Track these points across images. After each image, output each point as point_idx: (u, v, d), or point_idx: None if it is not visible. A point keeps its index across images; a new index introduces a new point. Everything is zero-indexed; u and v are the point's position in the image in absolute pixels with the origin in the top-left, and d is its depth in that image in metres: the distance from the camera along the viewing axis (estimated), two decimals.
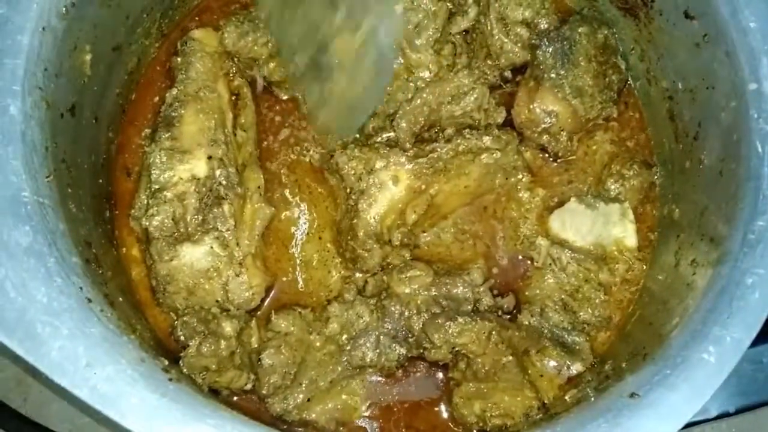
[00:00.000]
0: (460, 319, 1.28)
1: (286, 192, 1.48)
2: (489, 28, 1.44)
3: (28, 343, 1.00)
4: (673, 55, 1.38)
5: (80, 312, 1.04)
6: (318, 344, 1.34)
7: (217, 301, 1.33)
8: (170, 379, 1.05)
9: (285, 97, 1.51)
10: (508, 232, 1.46)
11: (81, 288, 1.07)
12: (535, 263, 1.43)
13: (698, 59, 1.29)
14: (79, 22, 1.23)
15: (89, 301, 1.06)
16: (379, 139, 1.44)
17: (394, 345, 1.32)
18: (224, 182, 1.35)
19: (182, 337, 1.25)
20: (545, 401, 1.31)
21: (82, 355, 1.00)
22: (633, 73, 1.51)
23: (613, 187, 1.44)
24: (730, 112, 1.21)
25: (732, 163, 1.19)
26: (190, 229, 1.32)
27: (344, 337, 1.34)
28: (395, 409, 1.36)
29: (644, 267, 1.42)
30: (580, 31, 1.42)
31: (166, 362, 1.11)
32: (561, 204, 1.45)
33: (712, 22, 1.23)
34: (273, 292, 1.42)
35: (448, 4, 1.47)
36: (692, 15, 1.28)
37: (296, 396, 1.31)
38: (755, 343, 1.07)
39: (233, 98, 1.45)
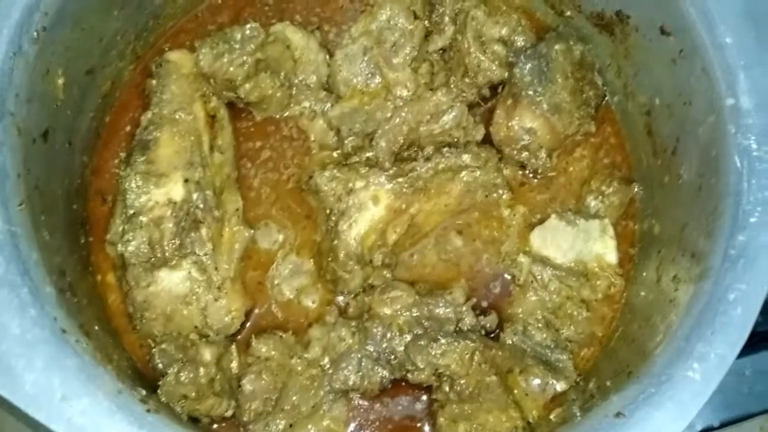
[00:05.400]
0: (443, 340, 1.27)
1: (266, 213, 1.46)
2: (466, 46, 1.44)
3: (2, 377, 0.98)
4: (649, 71, 1.38)
5: (55, 343, 1.02)
6: (300, 368, 1.32)
7: (196, 326, 1.31)
8: (148, 410, 1.04)
9: (259, 119, 1.50)
10: (490, 250, 1.45)
11: (56, 318, 1.05)
12: (517, 281, 1.42)
13: (675, 75, 1.29)
14: (51, 46, 1.21)
15: (64, 331, 1.04)
16: (358, 158, 1.44)
17: (376, 368, 1.30)
18: (201, 205, 1.33)
19: (160, 365, 1.23)
20: (530, 420, 1.30)
21: (58, 387, 0.99)
22: (610, 89, 1.52)
23: (593, 203, 1.44)
24: (708, 128, 1.21)
25: (711, 178, 1.20)
26: (167, 253, 1.30)
27: (326, 360, 1.33)
28: None
29: (625, 283, 1.41)
30: (556, 48, 1.42)
31: (144, 392, 1.09)
32: (542, 221, 1.45)
33: (688, 38, 1.23)
34: (253, 316, 1.40)
35: (425, 22, 1.47)
36: (668, 31, 1.28)
37: (278, 422, 1.29)
38: (738, 354, 1.07)
39: (210, 120, 1.43)
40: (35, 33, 1.16)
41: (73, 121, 1.35)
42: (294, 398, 1.30)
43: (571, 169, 1.50)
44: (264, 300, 1.41)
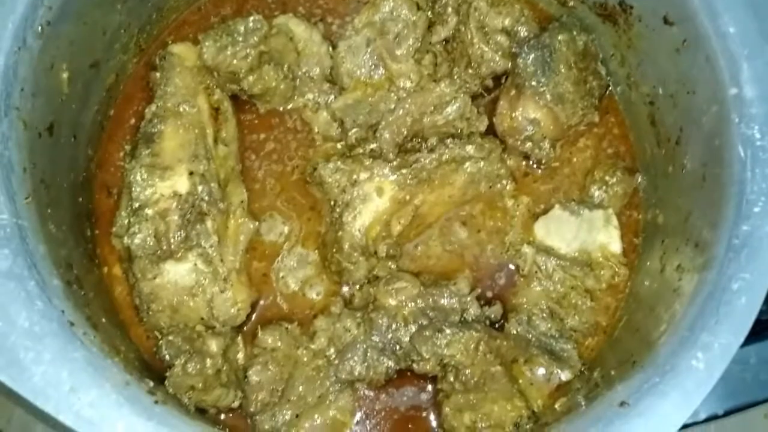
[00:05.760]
0: (448, 331, 1.28)
1: (271, 205, 1.46)
2: (469, 37, 1.44)
3: (10, 369, 0.99)
4: (653, 61, 1.38)
5: (63, 336, 1.02)
6: (305, 359, 1.33)
7: (202, 318, 1.32)
8: (156, 402, 1.04)
9: (263, 111, 1.50)
10: (494, 240, 1.45)
11: (63, 311, 1.05)
12: (522, 271, 1.43)
13: (678, 64, 1.29)
14: (56, 41, 1.21)
15: (72, 324, 1.05)
16: (362, 150, 1.44)
17: (382, 358, 1.31)
18: (206, 198, 1.34)
19: (167, 357, 1.24)
20: (535, 410, 1.31)
21: (66, 380, 0.99)
22: (613, 79, 1.51)
23: (596, 193, 1.44)
24: (712, 117, 1.21)
25: (715, 167, 1.20)
26: (173, 246, 1.30)
27: (332, 351, 1.33)
28: (385, 423, 1.35)
29: (630, 273, 1.41)
30: (559, 38, 1.41)
31: (152, 384, 1.09)
32: (546, 211, 1.45)
33: (692, 28, 1.23)
34: (259, 307, 1.41)
35: (428, 13, 1.47)
36: (671, 21, 1.28)
37: (284, 413, 1.29)
38: (742, 343, 1.07)
39: (214, 112, 1.43)
40: (40, 27, 1.16)
41: (78, 115, 1.35)
42: (300, 389, 1.31)
43: (574, 159, 1.50)
44: (269, 291, 1.42)
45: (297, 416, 1.30)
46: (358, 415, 1.35)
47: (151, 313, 1.31)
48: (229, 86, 1.44)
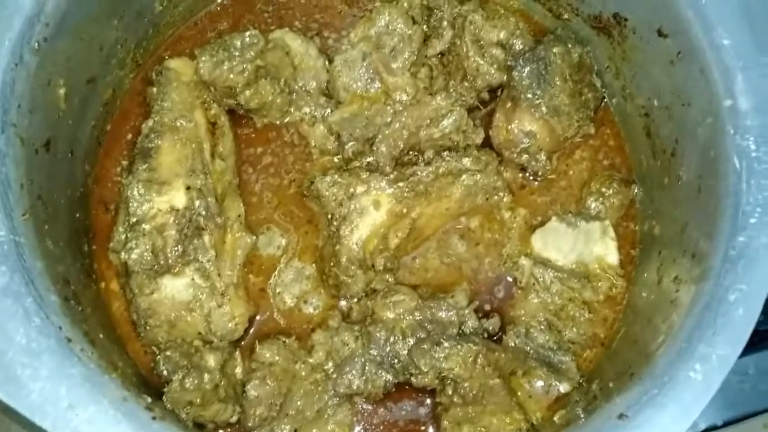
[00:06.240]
0: (446, 344, 1.28)
1: (268, 218, 1.46)
2: (465, 50, 1.45)
3: (8, 386, 0.98)
4: (647, 73, 1.39)
5: (60, 352, 1.02)
6: (304, 373, 1.33)
7: (200, 333, 1.31)
8: (154, 418, 1.04)
9: (260, 125, 1.50)
10: (491, 252, 1.46)
11: (60, 327, 1.05)
12: (519, 283, 1.43)
13: (673, 76, 1.30)
14: (52, 57, 1.21)
15: (69, 340, 1.05)
16: (359, 163, 1.44)
17: (380, 371, 1.30)
18: (204, 212, 1.34)
19: (165, 372, 1.24)
20: (534, 422, 1.31)
21: (64, 396, 0.99)
22: (609, 91, 1.52)
23: (593, 205, 1.45)
24: (707, 129, 1.21)
25: (710, 179, 1.20)
26: (170, 261, 1.30)
27: (330, 364, 1.33)
28: None
29: (627, 284, 1.41)
30: (554, 50, 1.42)
31: (149, 400, 1.09)
32: (543, 223, 1.46)
33: (686, 40, 1.23)
34: (257, 321, 1.40)
35: (424, 27, 1.48)
36: (665, 33, 1.29)
37: (283, 427, 1.29)
38: (741, 353, 1.07)
39: (211, 127, 1.43)
40: (36, 44, 1.17)
41: (75, 131, 1.35)
42: (298, 403, 1.31)
43: (570, 171, 1.50)
44: (267, 306, 1.41)
45: (295, 431, 1.30)
46: (357, 429, 1.35)
47: (148, 328, 1.31)
48: (225, 101, 1.45)
